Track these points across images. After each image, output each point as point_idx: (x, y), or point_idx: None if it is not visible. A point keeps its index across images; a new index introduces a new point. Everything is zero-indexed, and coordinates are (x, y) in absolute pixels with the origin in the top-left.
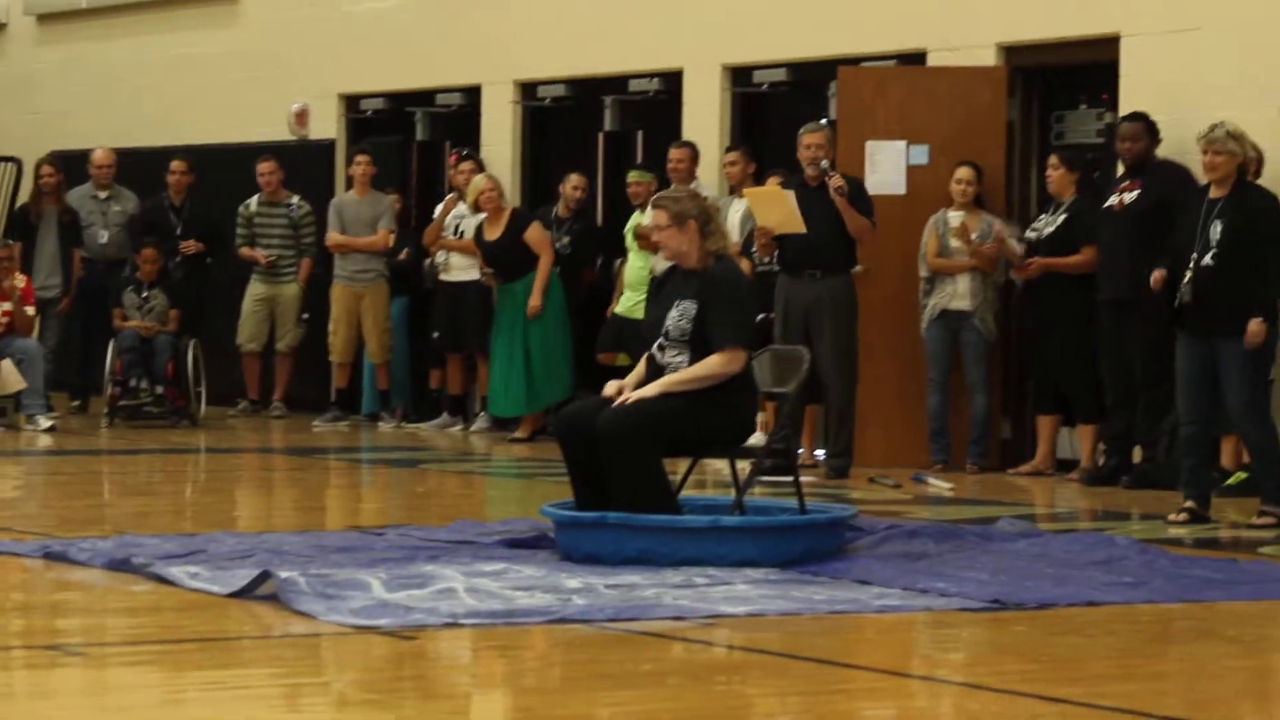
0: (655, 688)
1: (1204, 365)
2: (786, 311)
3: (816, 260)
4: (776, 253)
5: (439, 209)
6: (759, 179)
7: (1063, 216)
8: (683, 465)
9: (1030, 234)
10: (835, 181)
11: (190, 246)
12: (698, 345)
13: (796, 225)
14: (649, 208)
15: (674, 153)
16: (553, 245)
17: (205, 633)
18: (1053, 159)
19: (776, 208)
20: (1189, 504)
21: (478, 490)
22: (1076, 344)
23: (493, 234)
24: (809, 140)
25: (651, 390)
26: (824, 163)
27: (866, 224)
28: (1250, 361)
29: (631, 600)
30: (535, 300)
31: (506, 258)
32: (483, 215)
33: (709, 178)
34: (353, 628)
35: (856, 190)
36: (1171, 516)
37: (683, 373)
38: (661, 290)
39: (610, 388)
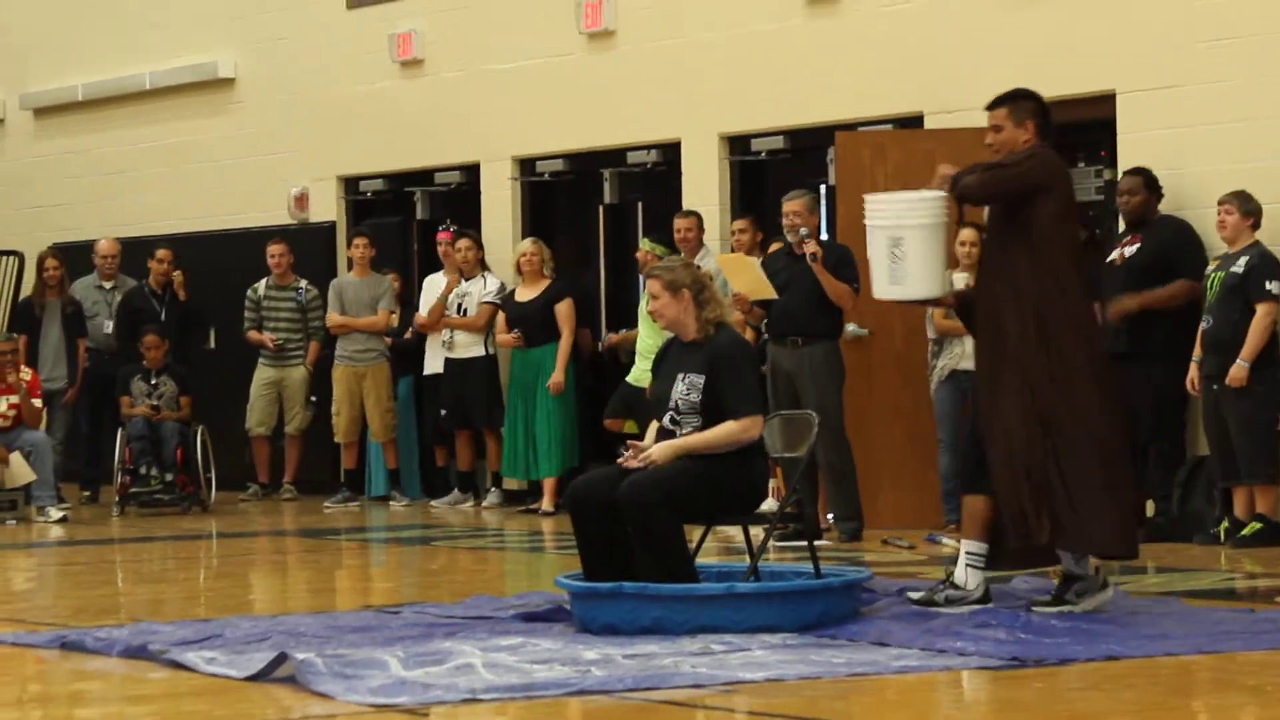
0: None
1: None
2: (774, 378)
3: (798, 327)
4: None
5: (438, 291)
6: (765, 247)
7: None
8: (696, 533)
9: None
10: (810, 248)
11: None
12: (710, 416)
13: (766, 291)
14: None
15: (680, 222)
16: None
17: (225, 718)
18: None
19: (745, 275)
20: None
21: (492, 565)
22: None
23: (525, 296)
24: (787, 208)
25: (670, 448)
26: (802, 230)
27: (845, 290)
28: None
29: (650, 669)
30: (558, 377)
31: (533, 323)
32: (478, 283)
33: (713, 247)
34: (371, 707)
35: (840, 257)
36: None
37: (699, 436)
38: (663, 363)
39: (631, 456)
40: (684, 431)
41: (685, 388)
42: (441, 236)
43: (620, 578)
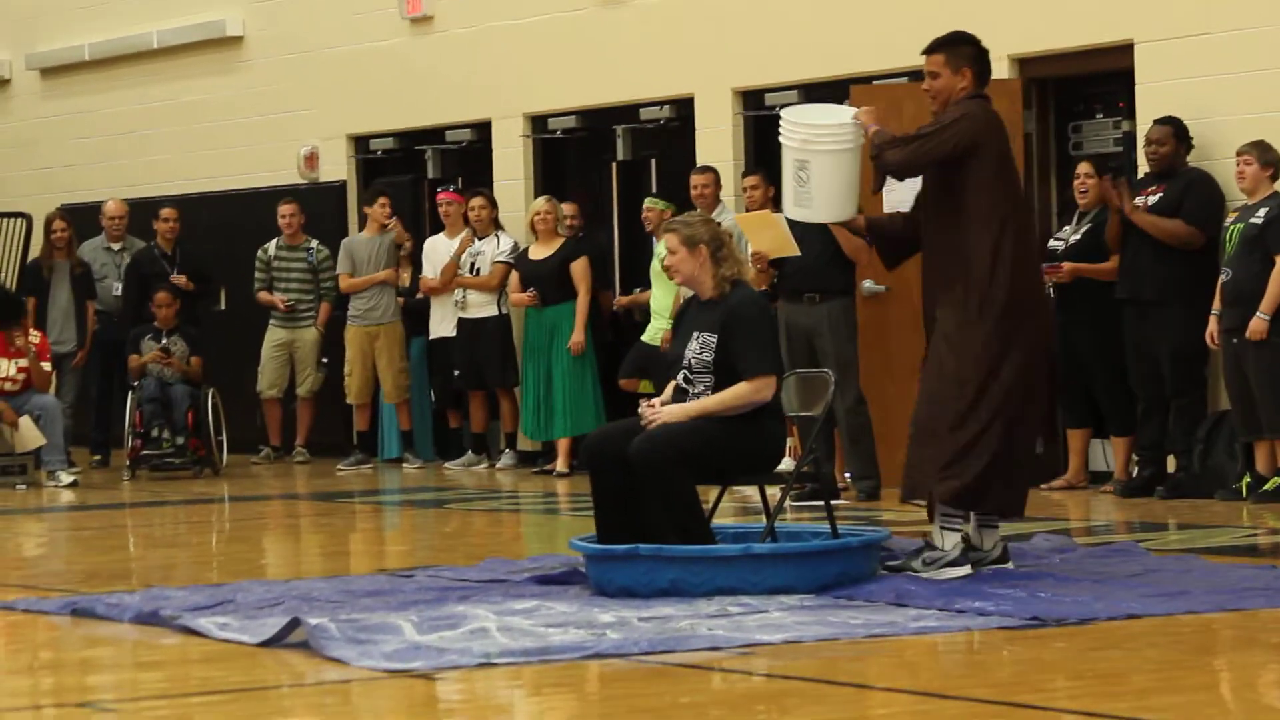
0: (696, 719)
1: None
2: (789, 336)
3: (814, 284)
4: (775, 277)
5: (440, 253)
6: (778, 203)
7: (1088, 226)
8: (712, 493)
9: (1055, 244)
10: None
11: (183, 280)
12: (722, 375)
13: (789, 248)
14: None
15: (696, 179)
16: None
17: (238, 683)
18: (1085, 168)
19: (768, 232)
20: None
21: (506, 528)
22: (1108, 353)
23: (539, 254)
24: None
25: (681, 411)
26: None
27: (860, 244)
28: None
29: (666, 632)
30: (578, 336)
31: (548, 282)
32: (491, 242)
33: (728, 203)
34: (386, 672)
35: None
36: None
37: (712, 398)
38: (681, 322)
39: (647, 412)
40: (696, 390)
41: (698, 347)
42: (442, 197)
43: (633, 533)
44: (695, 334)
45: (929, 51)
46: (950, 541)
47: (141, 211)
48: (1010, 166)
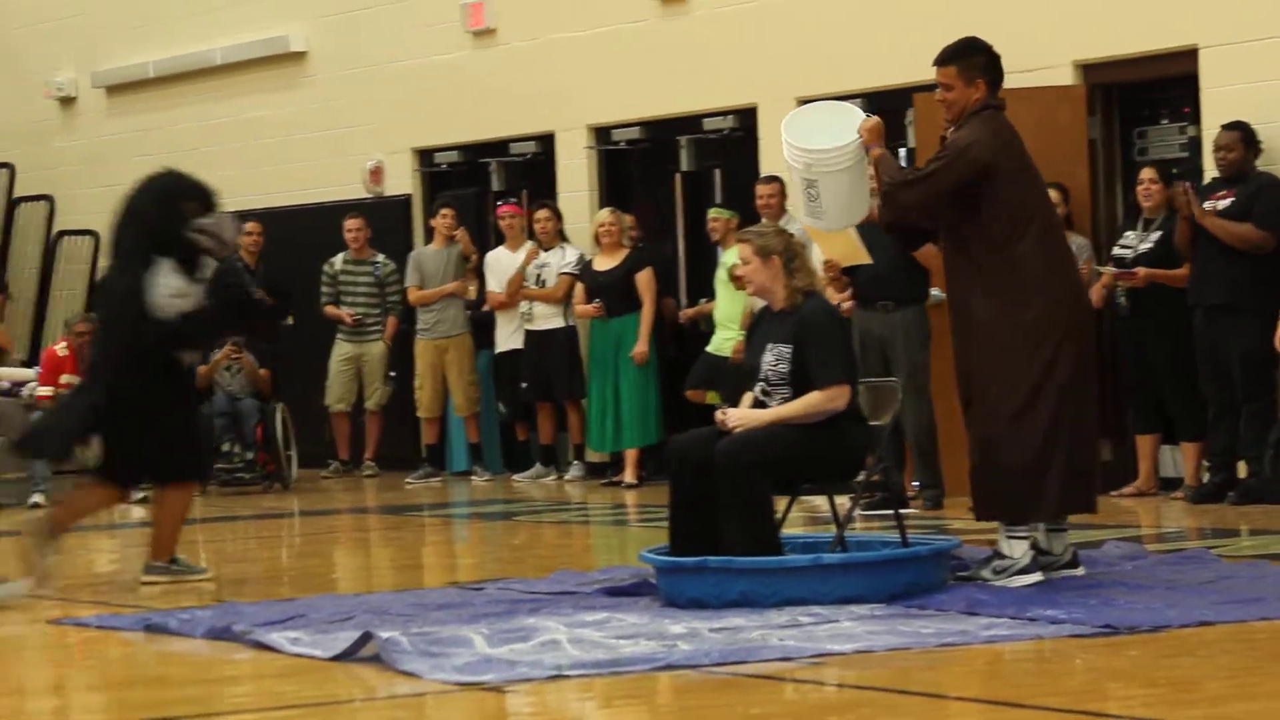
0: None
1: None
2: (863, 344)
3: (888, 292)
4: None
5: (501, 266)
6: None
7: (1157, 233)
8: (782, 504)
9: (1121, 251)
10: None
11: (259, 295)
12: (799, 385)
13: (861, 256)
14: (735, 244)
15: (762, 189)
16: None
17: (310, 698)
18: (1149, 173)
19: (839, 240)
20: None
21: (576, 540)
22: (1178, 359)
23: (603, 266)
24: None
25: (755, 417)
26: None
27: (934, 251)
28: None
29: (737, 643)
30: (642, 347)
31: (613, 293)
32: (557, 254)
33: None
34: (457, 685)
35: None
36: None
37: (785, 407)
38: (754, 334)
39: (724, 417)
40: (774, 403)
41: (773, 358)
42: (503, 209)
43: (706, 540)
44: (769, 345)
45: (941, 63)
46: (1019, 549)
47: None
48: (1029, 175)
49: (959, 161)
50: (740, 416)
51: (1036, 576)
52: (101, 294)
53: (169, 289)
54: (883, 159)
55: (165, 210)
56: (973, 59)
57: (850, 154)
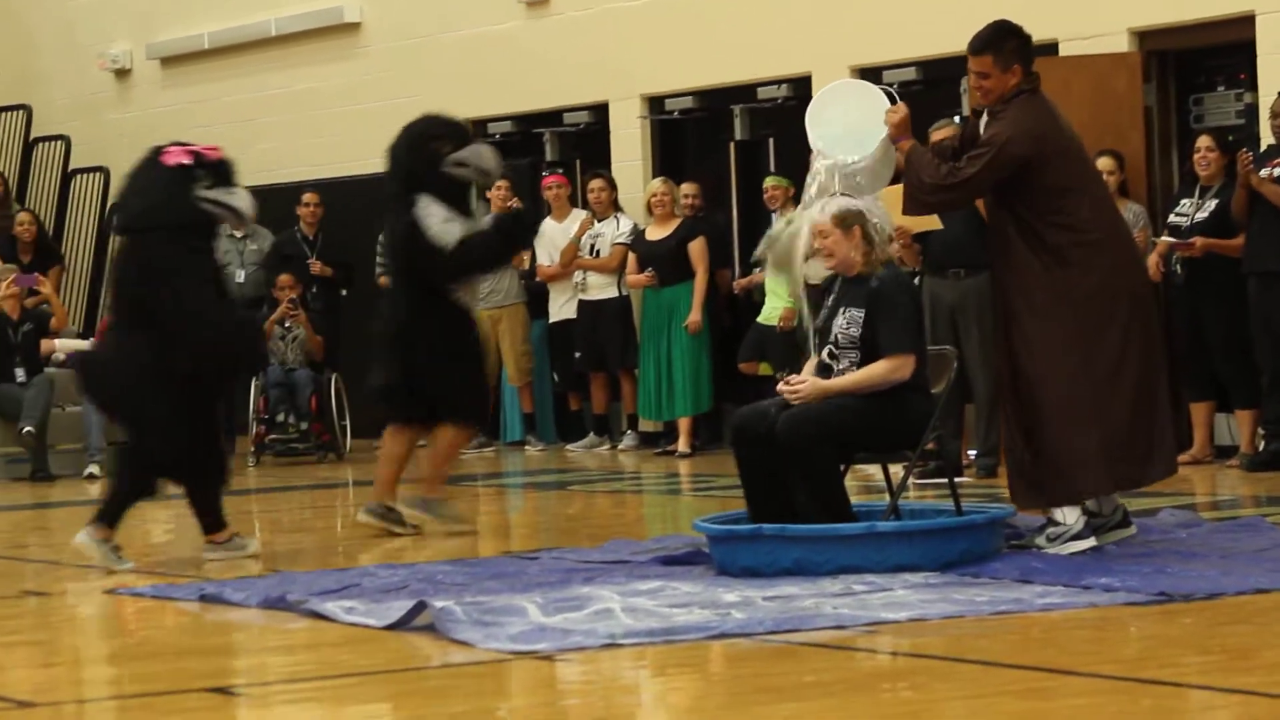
0: (822, 698)
1: None
2: (933, 312)
3: (959, 259)
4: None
5: (551, 238)
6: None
7: (1213, 201)
8: None
9: (1176, 219)
10: None
11: (317, 266)
12: (868, 351)
13: (932, 222)
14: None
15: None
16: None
17: (365, 667)
18: (1206, 141)
19: None
20: None
21: (629, 509)
22: (1234, 328)
23: (656, 235)
24: (936, 136)
25: (820, 389)
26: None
27: None
28: None
29: (791, 611)
30: (695, 316)
31: (665, 262)
32: (611, 224)
33: None
34: (511, 653)
35: None
36: None
37: (848, 377)
38: (826, 297)
39: (787, 387)
40: (841, 366)
41: (845, 322)
42: (548, 180)
43: (782, 510)
44: (843, 309)
45: (975, 52)
46: (1072, 516)
47: (261, 198)
48: (1072, 154)
49: (998, 160)
50: (807, 391)
51: (1090, 542)
52: (388, 247)
53: (438, 216)
54: (913, 153)
55: (419, 153)
56: (1006, 44)
57: (879, 153)
